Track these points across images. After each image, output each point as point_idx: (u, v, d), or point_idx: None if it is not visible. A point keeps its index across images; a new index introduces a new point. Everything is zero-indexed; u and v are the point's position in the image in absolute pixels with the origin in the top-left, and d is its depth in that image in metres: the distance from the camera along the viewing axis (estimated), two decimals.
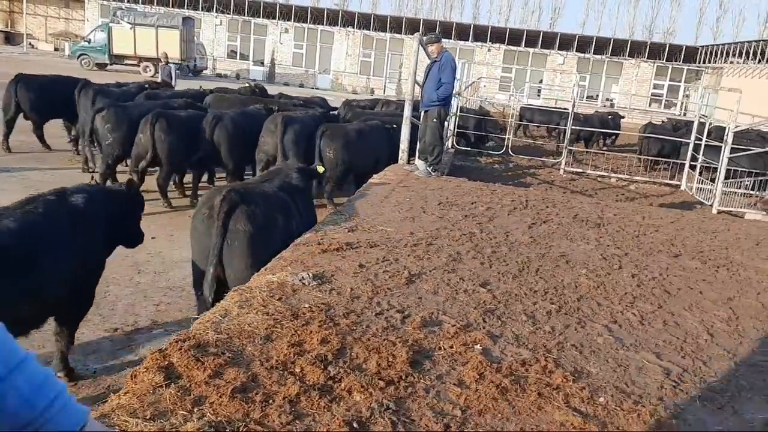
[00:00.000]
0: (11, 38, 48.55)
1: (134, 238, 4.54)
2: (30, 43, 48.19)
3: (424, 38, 8.12)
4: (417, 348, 3.05)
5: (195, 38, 35.46)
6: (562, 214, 6.61)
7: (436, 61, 8.23)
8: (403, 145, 8.64)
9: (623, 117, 21.65)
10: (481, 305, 3.75)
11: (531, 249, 5.11)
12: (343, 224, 5.17)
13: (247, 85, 15.44)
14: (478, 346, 3.16)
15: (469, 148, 15.13)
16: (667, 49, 38.81)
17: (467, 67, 15.87)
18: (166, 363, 2.60)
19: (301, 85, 40.89)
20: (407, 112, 8.41)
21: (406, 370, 2.81)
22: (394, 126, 10.43)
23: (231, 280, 3.97)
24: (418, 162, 8.52)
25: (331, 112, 11.69)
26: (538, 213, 6.51)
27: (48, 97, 10.95)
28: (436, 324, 3.40)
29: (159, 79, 16.24)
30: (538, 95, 39.00)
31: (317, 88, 40.63)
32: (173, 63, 17.50)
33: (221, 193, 4.04)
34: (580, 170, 15.19)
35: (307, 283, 3.75)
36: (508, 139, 15.45)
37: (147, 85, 13.14)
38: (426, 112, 8.29)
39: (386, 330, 3.23)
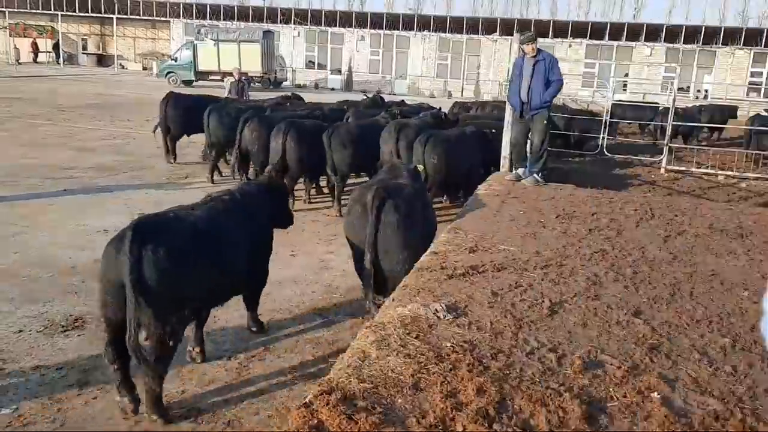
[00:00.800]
0: (103, 60, 51.19)
1: (287, 220, 5.14)
2: (121, 64, 50.68)
3: (522, 37, 7.68)
4: (586, 398, 2.65)
5: (275, 51, 36.09)
6: (695, 223, 5.99)
7: (539, 60, 7.75)
8: (505, 151, 8.21)
9: (737, 108, 20.27)
10: (641, 340, 3.30)
11: (675, 267, 4.58)
12: (461, 244, 4.82)
13: (365, 97, 16.37)
14: (655, 395, 2.72)
15: (562, 150, 14.44)
16: (765, 34, 36.25)
17: None
18: (316, 422, 2.32)
19: (379, 92, 40.81)
20: (509, 116, 7.97)
21: (582, 428, 2.41)
22: (493, 131, 10.07)
23: (387, 265, 4.53)
24: (521, 170, 8.07)
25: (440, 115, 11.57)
26: (668, 223, 5.93)
27: (192, 114, 11.55)
28: (597, 366, 2.98)
29: (226, 94, 16.33)
30: (624, 89, 37.37)
31: (394, 94, 40.54)
32: (246, 78, 17.43)
33: (371, 191, 4.55)
34: (683, 168, 14.19)
35: (442, 317, 3.42)
36: (603, 138, 14.63)
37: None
38: (533, 115, 7.81)
39: (544, 374, 2.85)
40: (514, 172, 8.18)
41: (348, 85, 42.07)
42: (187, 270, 3.55)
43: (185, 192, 9.53)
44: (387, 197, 4.54)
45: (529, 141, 7.90)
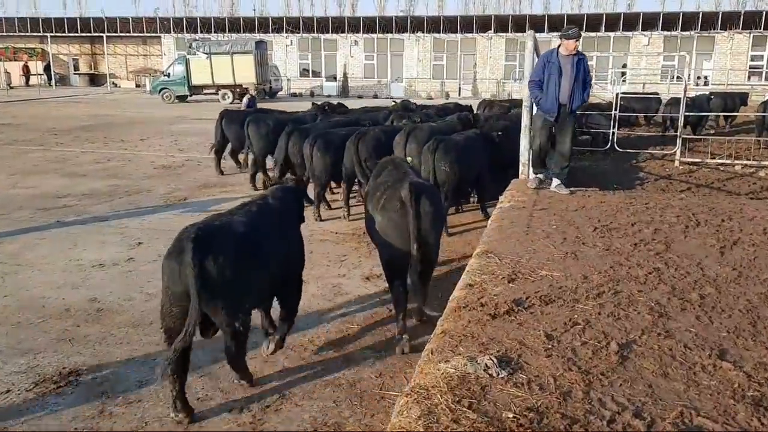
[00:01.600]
0: (95, 80, 50.71)
1: (302, 220, 5.21)
2: (113, 83, 50.18)
3: (569, 32, 6.97)
4: None
5: (269, 61, 35.56)
6: (746, 229, 5.42)
7: (580, 58, 7.15)
8: (524, 157, 7.63)
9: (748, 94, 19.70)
10: (738, 392, 2.72)
11: (745, 287, 4.00)
12: (496, 272, 4.25)
13: (394, 103, 16.83)
14: None
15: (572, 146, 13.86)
16: (764, 16, 35.68)
17: None
18: None
19: (375, 96, 40.36)
20: (526, 120, 7.40)
21: None
22: (500, 133, 9.57)
23: (427, 253, 4.72)
24: (541, 175, 7.50)
25: (467, 118, 11.21)
26: (717, 231, 5.35)
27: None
28: None
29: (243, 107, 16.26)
30: (623, 80, 36.83)
31: (392, 98, 39.98)
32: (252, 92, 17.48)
33: (405, 187, 4.74)
34: (698, 160, 13.64)
35: (495, 374, 2.85)
36: (613, 133, 14.07)
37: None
38: (569, 116, 7.23)
39: None
40: (534, 177, 7.60)
41: (344, 92, 41.53)
42: (245, 273, 3.84)
43: (183, 216, 8.96)
44: (423, 191, 4.84)
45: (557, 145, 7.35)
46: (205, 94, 32.90)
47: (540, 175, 7.52)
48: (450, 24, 41.48)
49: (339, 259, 7.08)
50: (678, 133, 13.46)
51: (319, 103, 16.36)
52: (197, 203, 9.96)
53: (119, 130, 20.06)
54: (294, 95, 40.22)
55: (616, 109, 14.05)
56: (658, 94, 20.25)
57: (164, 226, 8.43)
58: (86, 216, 9.06)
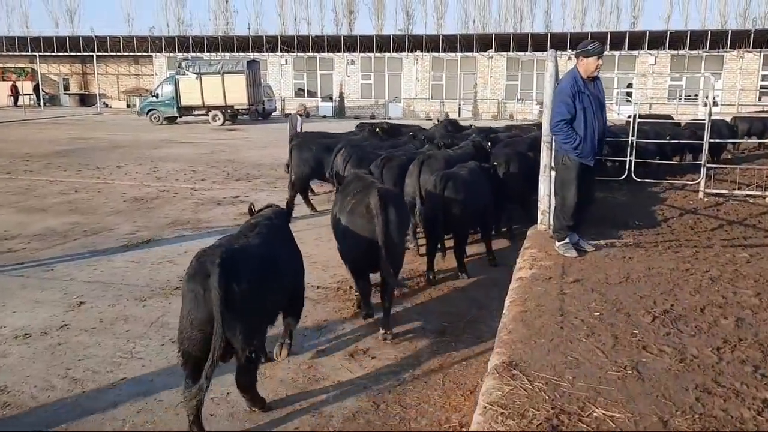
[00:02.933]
0: (86, 100, 49.83)
1: None
2: (104, 103, 49.27)
3: (591, 47, 5.77)
4: None
5: (261, 81, 34.63)
6: None
7: (598, 81, 5.96)
8: (543, 204, 6.42)
9: None
10: None
11: None
12: (526, 406, 3.02)
13: (436, 123, 16.89)
14: None
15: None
16: None
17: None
18: None
19: (372, 117, 39.39)
20: (545, 158, 6.19)
21: None
22: (495, 164, 8.74)
23: (393, 251, 5.30)
24: (574, 237, 6.16)
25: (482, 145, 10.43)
26: None
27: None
28: None
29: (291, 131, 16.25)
30: (628, 101, 35.87)
31: (389, 118, 39.03)
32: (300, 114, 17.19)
33: (373, 194, 5.25)
34: (724, 191, 12.49)
35: None
36: (630, 161, 12.94)
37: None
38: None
39: None
40: (564, 243, 6.05)
41: (340, 112, 40.60)
42: (264, 294, 3.98)
43: (140, 265, 7.79)
44: (388, 199, 5.37)
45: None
46: (195, 115, 31.91)
47: (570, 240, 6.10)
48: (449, 43, 40.66)
49: (317, 326, 5.89)
50: (702, 162, 12.33)
51: (367, 122, 16.03)
52: (161, 245, 8.80)
53: (98, 155, 18.96)
54: (287, 116, 39.23)
55: (633, 135, 12.92)
56: (671, 117, 19.15)
57: (115, 278, 7.27)
58: (30, 263, 7.88)
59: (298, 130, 16.31)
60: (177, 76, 30.94)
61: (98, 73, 49.44)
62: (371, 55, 41.01)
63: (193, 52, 42.86)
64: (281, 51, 42.08)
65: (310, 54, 41.73)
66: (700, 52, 35.91)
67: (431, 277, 7.12)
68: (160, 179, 14.68)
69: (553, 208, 6.15)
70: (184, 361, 3.77)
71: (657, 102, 32.87)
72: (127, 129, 28.70)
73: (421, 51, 40.57)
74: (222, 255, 3.68)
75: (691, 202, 12.27)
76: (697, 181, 12.62)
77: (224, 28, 52.14)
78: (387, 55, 40.80)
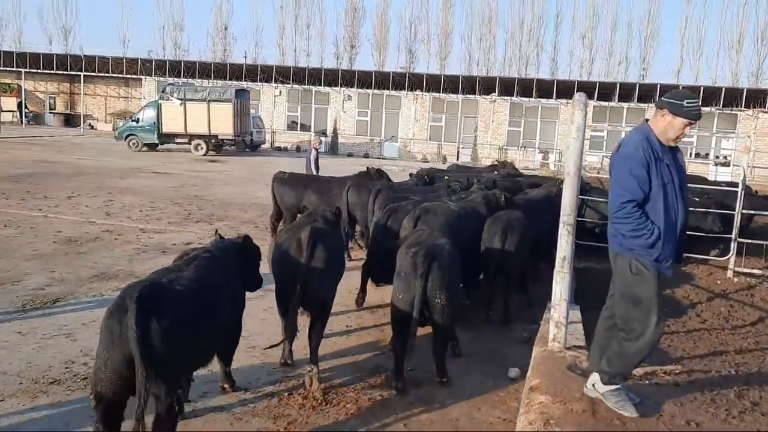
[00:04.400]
0: (71, 120, 48.55)
1: (257, 284, 5.32)
2: (90, 124, 47.98)
3: (686, 104, 3.76)
4: None
5: (250, 111, 33.32)
6: None
7: (676, 150, 4.04)
8: (558, 312, 4.62)
9: None
10: None
11: None
12: None
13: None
14: None
15: (591, 242, 10.98)
16: None
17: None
18: None
19: (366, 155, 38.10)
20: (569, 248, 4.39)
21: None
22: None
23: (312, 289, 5.27)
24: (619, 389, 4.04)
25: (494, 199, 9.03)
26: None
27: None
28: None
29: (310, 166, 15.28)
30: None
31: (383, 158, 37.72)
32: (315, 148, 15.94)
33: (305, 230, 5.37)
34: (757, 271, 10.90)
35: None
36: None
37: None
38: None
39: None
40: (617, 391, 4.04)
41: (333, 148, 39.24)
42: (192, 334, 3.72)
43: (26, 338, 6.06)
44: (319, 237, 5.40)
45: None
46: (177, 143, 30.43)
47: (614, 389, 4.02)
48: (451, 83, 39.60)
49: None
50: (732, 236, 10.76)
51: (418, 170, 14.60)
52: (68, 308, 7.10)
53: (54, 181, 17.36)
54: (279, 149, 37.89)
55: None
56: (705, 180, 17.59)
57: (5, 356, 5.57)
58: None
59: (313, 166, 15.21)
60: (160, 101, 29.56)
61: (86, 94, 48.34)
62: (369, 91, 39.88)
63: (185, 77, 41.70)
64: (276, 81, 40.92)
65: (306, 86, 40.57)
66: (713, 109, 34.82)
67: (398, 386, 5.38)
68: (110, 215, 13.04)
69: (567, 316, 4.39)
70: (96, 403, 3.50)
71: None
72: (101, 154, 27.18)
73: (422, 90, 39.46)
74: (142, 290, 3.46)
75: (719, 282, 10.69)
76: (726, 258, 11.04)
77: (221, 55, 51.18)
78: (386, 92, 39.67)
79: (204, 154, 29.48)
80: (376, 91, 39.82)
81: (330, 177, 12.74)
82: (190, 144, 29.79)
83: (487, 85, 39.28)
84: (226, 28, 52.57)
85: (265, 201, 16.10)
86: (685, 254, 11.39)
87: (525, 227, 7.86)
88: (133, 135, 29.96)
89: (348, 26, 49.71)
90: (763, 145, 32.91)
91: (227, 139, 30.12)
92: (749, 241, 11.00)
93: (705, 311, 8.73)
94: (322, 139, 39.06)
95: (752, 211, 11.07)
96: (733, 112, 34.78)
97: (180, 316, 3.60)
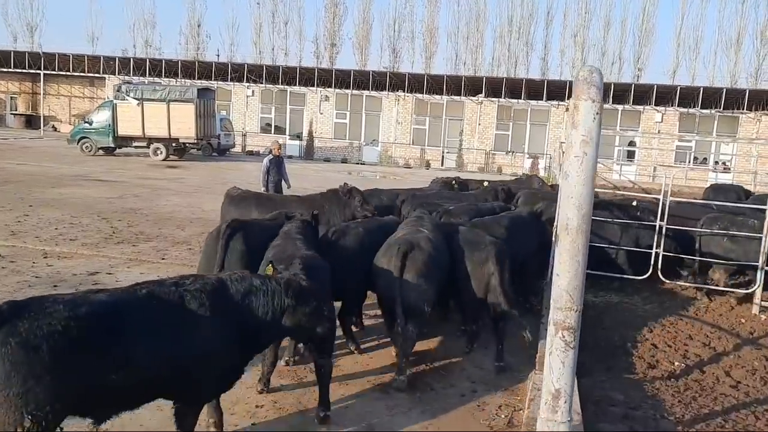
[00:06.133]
0: (33, 121, 46.38)
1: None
2: (53, 126, 45.86)
3: None
4: None
5: (216, 112, 31.36)
6: None
7: None
8: (560, 383, 2.79)
9: None
10: None
11: None
12: None
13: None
14: None
15: (595, 271, 9.16)
16: None
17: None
18: None
19: (344, 160, 36.22)
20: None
21: None
22: None
23: None
24: None
25: None
26: None
27: None
28: None
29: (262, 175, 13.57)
30: (629, 159, 33.06)
31: (363, 163, 35.86)
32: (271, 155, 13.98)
33: (225, 225, 6.21)
34: None
35: None
36: (657, 253, 9.56)
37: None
38: None
39: None
40: None
41: (308, 153, 37.33)
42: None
43: None
44: (238, 230, 6.21)
45: None
46: (135, 147, 28.39)
47: None
48: (435, 84, 37.81)
49: None
50: (760, 264, 8.97)
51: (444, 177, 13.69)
52: None
53: None
54: (251, 153, 35.90)
55: (662, 219, 9.53)
56: (744, 191, 15.79)
57: None
58: None
59: (266, 178, 13.41)
60: (115, 101, 27.53)
61: (49, 94, 46.29)
62: (348, 91, 38.00)
63: (151, 76, 39.65)
64: (248, 81, 38.95)
65: (281, 86, 38.61)
66: (713, 111, 33.26)
67: None
68: (15, 234, 11.10)
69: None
70: None
71: (662, 165, 29.87)
72: (49, 158, 25.10)
73: (404, 91, 37.64)
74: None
75: (743, 321, 8.93)
76: (751, 290, 9.26)
77: (194, 54, 49.17)
78: (365, 93, 37.80)
79: (164, 159, 27.48)
80: (355, 92, 37.96)
81: (291, 196, 10.67)
82: (149, 148, 27.76)
83: (473, 86, 37.55)
84: (199, 25, 50.73)
85: (212, 215, 14.20)
86: (703, 285, 9.57)
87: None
88: (86, 138, 27.88)
89: (328, 23, 47.98)
90: (766, 149, 31.32)
91: (189, 143, 28.12)
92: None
93: (735, 367, 6.95)
94: (293, 142, 37.24)
95: None
96: (734, 114, 33.22)
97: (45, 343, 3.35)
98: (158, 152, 27.57)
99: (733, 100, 33.88)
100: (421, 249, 5.99)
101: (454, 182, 12.89)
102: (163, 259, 10.12)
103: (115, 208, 14.49)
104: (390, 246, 6.13)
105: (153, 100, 27.12)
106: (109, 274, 8.99)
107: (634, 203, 10.87)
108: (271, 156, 13.72)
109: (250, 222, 7.32)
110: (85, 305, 3.50)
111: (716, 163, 33.78)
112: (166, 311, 3.82)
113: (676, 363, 6.93)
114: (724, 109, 33.21)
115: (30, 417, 3.24)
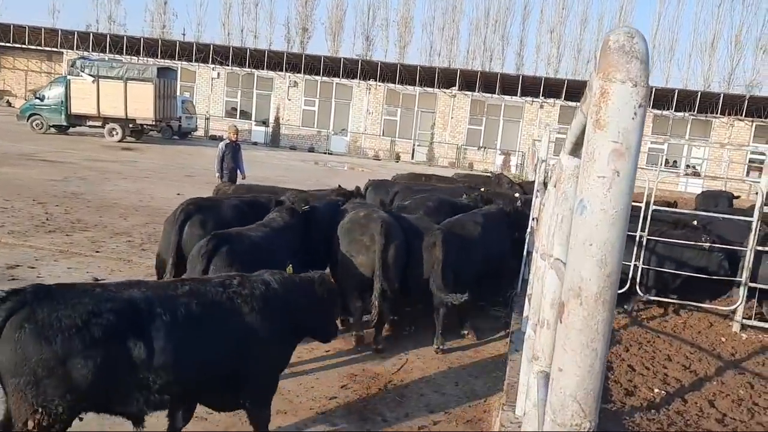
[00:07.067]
0: None
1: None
2: (8, 101, 43.97)
3: None
4: None
5: (177, 93, 30.13)
6: None
7: None
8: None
9: None
10: None
11: None
12: None
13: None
14: None
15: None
16: None
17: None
18: None
19: (311, 149, 35.26)
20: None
21: None
22: None
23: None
24: None
25: None
26: None
27: None
28: None
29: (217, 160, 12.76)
30: None
31: (330, 153, 34.96)
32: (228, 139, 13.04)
33: (181, 207, 6.46)
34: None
35: None
36: (636, 266, 8.99)
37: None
38: None
39: None
40: None
41: (274, 140, 36.26)
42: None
43: None
44: (194, 212, 6.48)
45: None
46: (90, 126, 27.03)
47: None
48: (408, 74, 36.99)
49: None
50: (742, 279, 8.43)
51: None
52: None
53: None
54: (214, 138, 34.68)
55: (642, 230, 8.94)
56: (731, 194, 15.31)
57: None
58: None
59: (220, 164, 12.55)
60: (69, 77, 26.11)
61: (4, 67, 44.44)
62: (318, 78, 36.95)
63: (112, 53, 38.07)
64: (213, 63, 37.62)
65: (248, 70, 37.39)
66: (686, 114, 33.11)
67: None
68: None
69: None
70: None
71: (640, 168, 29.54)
72: None
73: (376, 80, 36.76)
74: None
75: (723, 340, 8.40)
76: (732, 308, 8.74)
77: (160, 32, 47.55)
78: (336, 80, 36.80)
79: (120, 141, 26.22)
80: (325, 79, 36.93)
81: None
82: (104, 128, 26.45)
83: (447, 78, 36.84)
84: (165, 2, 49.07)
85: (161, 203, 13.30)
86: (682, 300, 9.01)
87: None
88: (37, 115, 26.45)
89: (300, 7, 46.83)
90: (738, 154, 31.28)
91: (147, 125, 26.88)
92: (762, 286, 8.71)
93: (719, 396, 6.35)
94: (259, 128, 36.14)
95: None
96: (707, 118, 33.12)
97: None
98: (114, 133, 26.28)
99: (707, 103, 33.79)
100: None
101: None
102: (97, 252, 9.21)
103: (56, 192, 13.45)
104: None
105: (109, 77, 25.79)
106: (32, 268, 8.07)
107: (695, 222, 10.08)
108: (227, 141, 12.81)
109: (208, 202, 7.30)
110: (112, 301, 3.40)
111: (687, 167, 33.67)
112: (203, 310, 3.71)
113: (656, 390, 6.32)
114: (697, 112, 33.09)
115: (41, 408, 3.17)
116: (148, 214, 12.19)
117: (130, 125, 26.51)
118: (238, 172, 12.69)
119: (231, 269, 5.29)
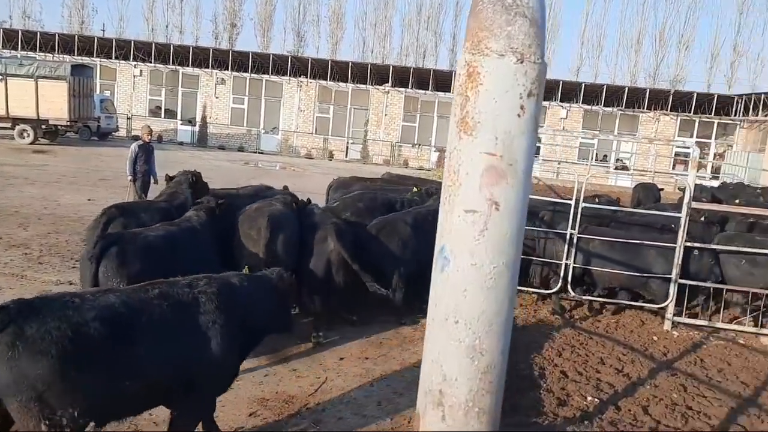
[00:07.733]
0: None
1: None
2: None
3: None
4: None
5: (95, 92, 28.70)
6: None
7: None
8: None
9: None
10: None
11: None
12: None
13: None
14: None
15: None
16: (694, 99, 33.22)
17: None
18: None
19: (241, 148, 34.32)
20: None
21: None
22: None
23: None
24: None
25: None
26: None
27: None
28: None
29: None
30: (536, 156, 33.08)
31: (261, 152, 34.09)
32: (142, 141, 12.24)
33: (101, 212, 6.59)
34: (701, 322, 8.70)
35: None
36: (568, 264, 8.80)
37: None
38: None
39: None
40: None
41: (202, 140, 35.11)
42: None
43: None
44: (117, 215, 6.66)
45: None
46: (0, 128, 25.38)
47: None
48: (341, 71, 36.47)
49: None
50: (672, 277, 8.33)
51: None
52: None
53: None
54: (136, 138, 33.22)
55: (573, 227, 8.74)
56: (657, 187, 15.34)
57: None
58: None
59: (132, 166, 11.81)
60: None
61: None
62: (246, 75, 35.97)
63: (24, 50, 36.02)
64: (135, 59, 36.09)
65: (172, 67, 36.03)
66: (615, 110, 33.80)
67: None
68: None
69: None
70: None
71: (567, 161, 30.01)
72: None
73: (307, 77, 36.06)
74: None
75: (655, 339, 8.31)
76: (662, 305, 8.64)
77: (78, 28, 45.43)
78: (265, 77, 35.89)
79: (32, 143, 24.71)
80: (254, 76, 35.97)
81: None
82: (13, 130, 24.87)
83: (380, 75, 36.50)
84: None
85: (68, 210, 12.40)
86: (614, 300, 8.86)
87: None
88: None
89: (228, 2, 45.57)
90: (664, 148, 32.15)
91: (62, 125, 25.42)
92: (693, 282, 8.64)
93: (652, 401, 6.16)
94: (185, 128, 34.92)
95: (697, 244, 8.67)
96: (634, 113, 33.91)
97: None
98: (25, 135, 24.75)
99: (633, 98, 34.59)
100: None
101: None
102: None
103: None
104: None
105: (18, 75, 24.25)
106: None
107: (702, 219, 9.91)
108: (140, 142, 12.02)
109: (129, 206, 7.49)
110: (96, 309, 3.49)
111: (617, 161, 34.43)
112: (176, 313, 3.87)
113: (589, 398, 6.07)
114: (625, 107, 33.83)
115: (47, 422, 3.22)
116: (52, 222, 11.29)
117: (43, 126, 25.02)
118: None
119: (123, 270, 5.35)
